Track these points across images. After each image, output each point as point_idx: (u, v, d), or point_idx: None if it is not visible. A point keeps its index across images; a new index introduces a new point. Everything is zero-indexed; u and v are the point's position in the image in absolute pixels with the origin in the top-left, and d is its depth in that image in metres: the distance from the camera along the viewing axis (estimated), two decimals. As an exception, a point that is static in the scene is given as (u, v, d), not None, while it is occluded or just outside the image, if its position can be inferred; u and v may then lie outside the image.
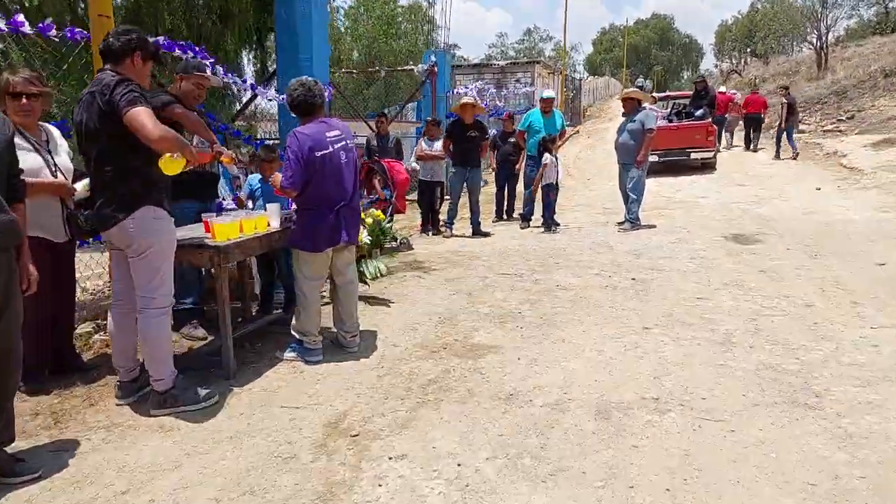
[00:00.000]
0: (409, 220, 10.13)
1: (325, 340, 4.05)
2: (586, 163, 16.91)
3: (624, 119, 8.20)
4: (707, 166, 13.97)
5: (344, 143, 3.85)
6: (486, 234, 8.28)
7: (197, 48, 5.85)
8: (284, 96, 7.43)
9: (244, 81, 6.68)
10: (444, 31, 15.64)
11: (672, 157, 13.50)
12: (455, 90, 13.71)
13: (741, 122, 16.49)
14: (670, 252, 6.84)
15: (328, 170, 3.73)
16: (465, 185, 8.32)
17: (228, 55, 7.38)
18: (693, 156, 13.50)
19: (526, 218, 8.90)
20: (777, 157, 14.60)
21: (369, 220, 5.82)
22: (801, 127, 17.75)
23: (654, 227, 8.23)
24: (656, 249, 6.99)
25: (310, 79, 3.96)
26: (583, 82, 34.07)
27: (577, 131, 22.80)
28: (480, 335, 4.34)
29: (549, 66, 28.49)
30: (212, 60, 5.66)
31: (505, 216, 9.80)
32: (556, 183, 8.39)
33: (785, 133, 14.38)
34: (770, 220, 8.47)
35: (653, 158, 13.53)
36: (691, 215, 9.17)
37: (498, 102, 18.47)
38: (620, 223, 8.30)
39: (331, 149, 3.75)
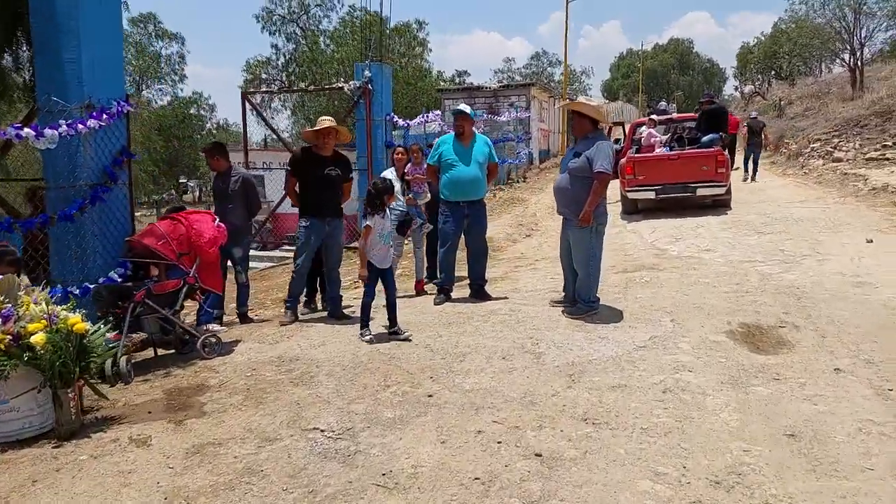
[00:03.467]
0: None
1: None
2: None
3: (569, 147, 5.40)
4: (719, 204, 11.08)
5: None
6: (347, 318, 5.54)
7: None
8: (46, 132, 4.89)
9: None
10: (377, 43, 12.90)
11: (672, 193, 10.65)
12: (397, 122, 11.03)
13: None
14: (632, 371, 4.01)
15: None
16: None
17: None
18: (700, 192, 10.61)
19: (442, 289, 6.14)
20: (752, 179, 14.53)
21: (39, 338, 3.12)
22: (837, 155, 14.86)
23: (619, 312, 5.37)
24: (611, 363, 4.17)
25: None
26: (590, 107, 31.40)
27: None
28: None
29: (547, 88, 25.87)
30: None
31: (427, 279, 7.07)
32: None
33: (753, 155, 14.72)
34: (802, 296, 5.58)
35: (648, 195, 10.85)
36: (687, 284, 6.30)
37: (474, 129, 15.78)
38: (569, 307, 5.44)
39: None
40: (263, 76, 30.88)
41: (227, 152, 5.83)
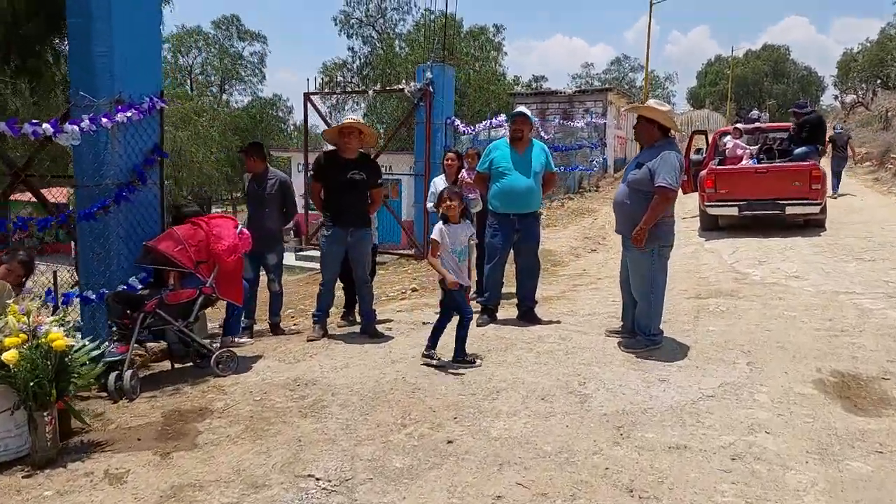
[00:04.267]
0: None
1: None
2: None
3: (635, 156, 4.70)
4: (812, 224, 9.97)
5: None
6: (380, 336, 5.13)
7: None
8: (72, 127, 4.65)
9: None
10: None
11: (758, 210, 9.64)
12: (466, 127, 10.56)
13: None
14: (695, 428, 3.35)
15: None
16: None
17: None
18: (789, 210, 9.55)
19: (486, 308, 5.60)
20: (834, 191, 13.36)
21: (10, 356, 2.82)
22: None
23: (686, 349, 4.66)
24: (669, 415, 3.51)
25: None
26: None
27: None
28: None
29: (626, 94, 24.76)
30: None
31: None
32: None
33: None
34: (912, 339, 4.70)
35: (731, 211, 9.88)
36: (769, 317, 5.49)
37: (543, 135, 15.14)
38: (627, 339, 4.77)
39: None
40: (339, 78, 31.30)
41: (264, 153, 5.51)
